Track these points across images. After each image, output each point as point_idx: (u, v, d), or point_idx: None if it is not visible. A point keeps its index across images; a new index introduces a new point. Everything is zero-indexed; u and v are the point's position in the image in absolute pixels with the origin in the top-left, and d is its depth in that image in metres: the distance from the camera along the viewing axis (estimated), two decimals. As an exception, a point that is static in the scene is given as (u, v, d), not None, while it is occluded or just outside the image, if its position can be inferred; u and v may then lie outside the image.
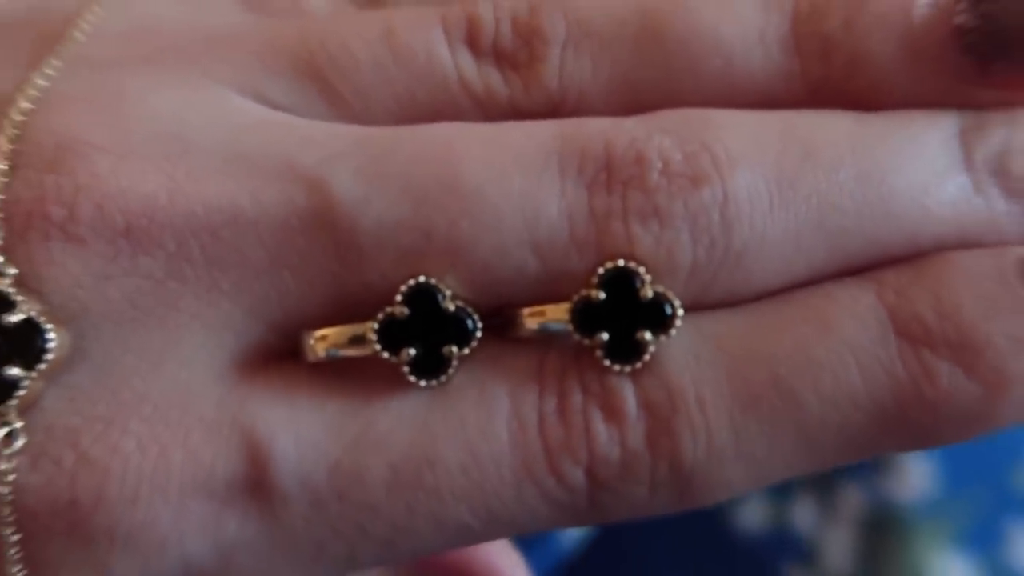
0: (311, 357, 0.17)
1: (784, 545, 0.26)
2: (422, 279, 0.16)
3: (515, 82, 0.18)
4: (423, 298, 0.16)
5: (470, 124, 0.17)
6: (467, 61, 0.18)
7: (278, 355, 0.17)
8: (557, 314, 0.16)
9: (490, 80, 0.18)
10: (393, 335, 0.16)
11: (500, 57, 0.18)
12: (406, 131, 0.17)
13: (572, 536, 0.26)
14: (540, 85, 0.18)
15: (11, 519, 0.16)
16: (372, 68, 0.18)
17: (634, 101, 0.18)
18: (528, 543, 0.25)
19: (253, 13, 0.20)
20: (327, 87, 0.18)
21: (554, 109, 0.18)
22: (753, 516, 0.26)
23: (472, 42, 0.18)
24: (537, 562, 0.25)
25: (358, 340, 0.16)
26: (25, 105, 0.17)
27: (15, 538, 0.16)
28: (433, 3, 0.21)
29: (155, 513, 0.16)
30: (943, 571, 0.26)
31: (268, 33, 0.19)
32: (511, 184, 0.16)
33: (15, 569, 0.16)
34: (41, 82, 0.18)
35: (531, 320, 0.17)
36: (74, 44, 0.18)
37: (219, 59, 0.18)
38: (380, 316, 0.16)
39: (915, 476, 0.26)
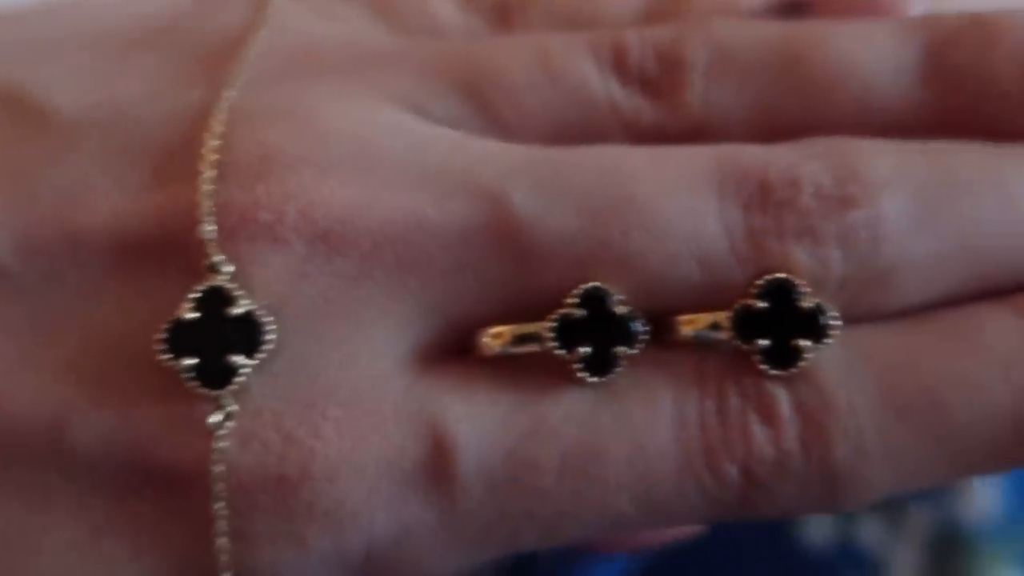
0: (486, 352, 0.18)
1: (849, 560, 0.26)
2: (595, 284, 0.18)
3: (660, 107, 0.19)
4: (595, 301, 0.18)
5: (632, 146, 0.19)
6: (616, 87, 0.20)
7: (452, 350, 0.18)
8: (718, 321, 0.18)
9: (637, 105, 0.20)
10: (568, 334, 0.18)
11: (646, 83, 0.20)
12: (574, 150, 0.19)
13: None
14: (684, 111, 0.19)
15: (224, 494, 0.17)
16: (529, 90, 0.20)
17: (773, 127, 0.19)
18: (596, 556, 0.26)
19: (397, 32, 0.22)
20: (487, 106, 0.20)
21: (697, 133, 0.19)
22: (820, 532, 0.27)
23: (619, 68, 0.20)
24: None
25: (532, 338, 0.18)
26: (221, 118, 0.19)
27: (225, 512, 0.17)
28: (567, 27, 0.22)
29: (352, 490, 0.17)
30: None
31: (427, 53, 0.20)
32: (677, 201, 0.18)
33: (221, 540, 0.18)
34: (231, 94, 0.19)
35: (691, 327, 0.18)
36: (249, 62, 0.20)
37: (384, 77, 0.20)
38: (556, 316, 0.18)
39: (983, 499, 0.27)
